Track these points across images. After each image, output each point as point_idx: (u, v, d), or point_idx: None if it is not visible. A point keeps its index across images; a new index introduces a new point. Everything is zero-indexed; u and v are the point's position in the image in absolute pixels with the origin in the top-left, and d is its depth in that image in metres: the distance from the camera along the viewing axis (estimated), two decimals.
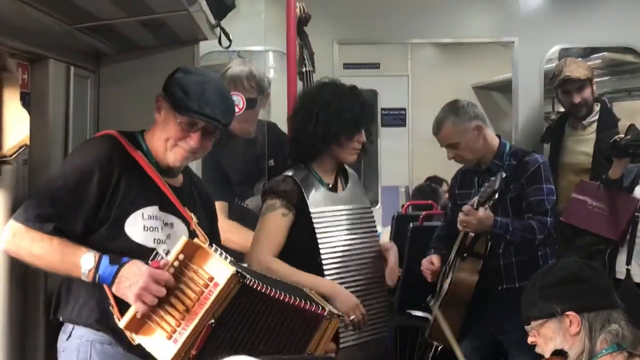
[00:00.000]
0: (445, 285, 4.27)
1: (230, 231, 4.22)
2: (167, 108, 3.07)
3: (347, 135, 3.65)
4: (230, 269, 2.80)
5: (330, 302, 3.39)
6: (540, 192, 4.26)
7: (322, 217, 3.64)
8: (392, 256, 3.81)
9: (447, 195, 7.23)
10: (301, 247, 3.62)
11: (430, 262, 4.41)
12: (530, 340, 2.95)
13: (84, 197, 2.96)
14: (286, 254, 3.64)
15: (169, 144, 3.07)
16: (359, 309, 3.54)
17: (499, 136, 4.49)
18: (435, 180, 7.73)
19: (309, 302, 3.02)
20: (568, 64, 5.41)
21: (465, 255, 4.25)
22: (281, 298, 2.94)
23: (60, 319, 3.12)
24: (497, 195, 4.05)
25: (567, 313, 2.85)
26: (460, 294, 4.23)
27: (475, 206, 4.08)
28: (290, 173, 3.69)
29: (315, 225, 3.60)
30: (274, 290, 2.92)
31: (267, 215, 3.64)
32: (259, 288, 2.88)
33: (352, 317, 3.50)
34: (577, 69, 5.33)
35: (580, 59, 5.63)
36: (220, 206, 4.32)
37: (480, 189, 4.18)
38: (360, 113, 3.67)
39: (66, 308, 3.08)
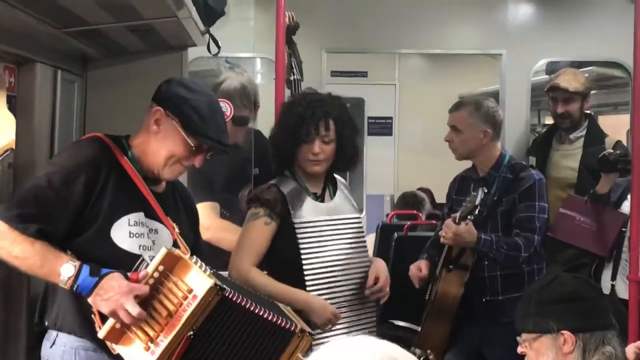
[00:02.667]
0: (432, 296, 4.28)
1: (225, 229, 4.22)
2: (173, 125, 3.03)
3: (289, 149, 3.63)
4: (209, 282, 2.78)
5: (307, 316, 3.41)
6: (532, 209, 4.23)
7: (307, 227, 3.61)
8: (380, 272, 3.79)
9: (430, 205, 7.23)
10: (286, 256, 3.59)
11: (419, 269, 4.39)
12: (520, 350, 2.92)
13: (70, 198, 2.93)
14: (271, 263, 3.62)
15: (171, 160, 3.06)
16: (336, 317, 3.52)
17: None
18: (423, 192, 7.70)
19: (282, 318, 3.00)
20: (564, 73, 5.43)
21: (451, 266, 4.25)
22: (258, 312, 2.92)
23: (46, 324, 3.09)
24: (477, 211, 4.04)
25: (562, 331, 2.83)
26: (446, 305, 4.23)
27: (457, 220, 4.08)
28: (275, 182, 3.68)
29: (298, 236, 3.57)
30: (251, 303, 2.91)
31: (249, 224, 3.62)
32: (238, 301, 2.86)
33: (328, 327, 3.51)
34: (569, 80, 5.33)
35: (580, 72, 5.62)
36: (211, 206, 4.33)
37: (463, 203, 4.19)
38: (295, 127, 3.60)
39: (51, 313, 3.06)
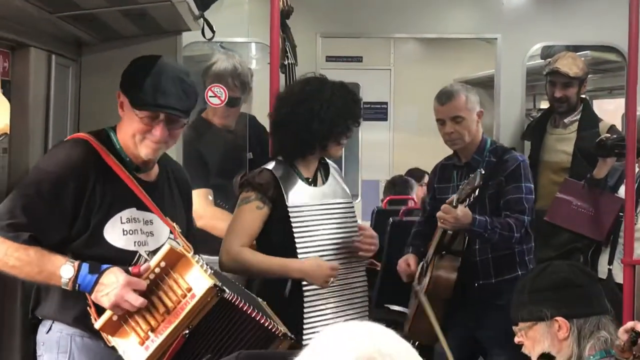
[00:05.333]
0: (424, 283, 4.28)
1: (217, 218, 4.21)
2: (127, 104, 3.04)
3: (345, 132, 3.67)
4: (209, 282, 2.79)
5: (307, 281, 3.51)
6: (519, 190, 4.25)
7: (300, 212, 3.62)
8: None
9: (419, 187, 7.22)
10: (276, 240, 3.61)
11: (407, 264, 4.41)
12: (517, 340, 2.93)
13: (59, 206, 2.93)
14: (264, 248, 3.64)
15: (137, 139, 3.03)
16: (333, 273, 3.56)
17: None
18: (416, 172, 7.68)
19: (270, 321, 3.03)
20: (563, 57, 5.42)
21: (443, 252, 4.25)
22: (251, 314, 2.94)
23: (39, 317, 3.10)
24: (477, 192, 4.04)
25: (557, 318, 2.82)
26: (439, 291, 4.23)
27: (454, 203, 4.06)
28: (269, 166, 3.67)
29: (292, 221, 3.58)
30: (248, 305, 2.93)
31: (241, 207, 3.63)
32: (235, 302, 2.88)
33: (329, 283, 3.56)
34: (569, 65, 5.33)
35: (578, 56, 5.62)
36: (204, 193, 4.32)
37: (459, 185, 4.19)
38: (357, 109, 3.71)
39: (45, 306, 3.07)
